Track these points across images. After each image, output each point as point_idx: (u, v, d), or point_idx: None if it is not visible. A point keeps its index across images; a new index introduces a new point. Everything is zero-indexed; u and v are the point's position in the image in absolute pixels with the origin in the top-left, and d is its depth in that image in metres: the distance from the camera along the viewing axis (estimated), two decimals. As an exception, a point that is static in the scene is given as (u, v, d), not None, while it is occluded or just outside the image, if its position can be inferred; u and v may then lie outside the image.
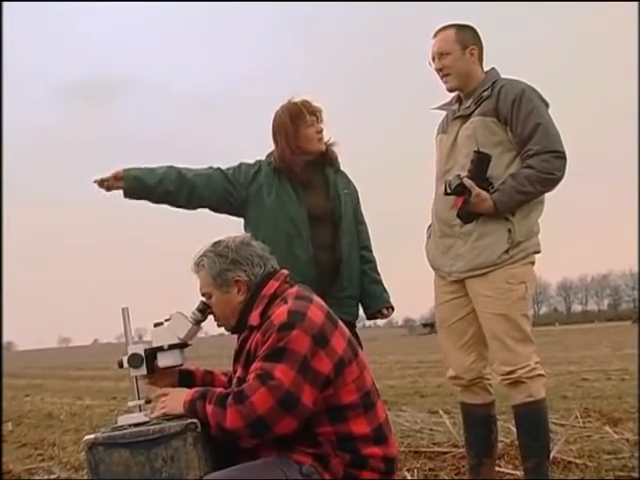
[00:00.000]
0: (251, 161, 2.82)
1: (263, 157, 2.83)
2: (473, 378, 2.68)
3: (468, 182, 2.45)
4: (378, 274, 2.89)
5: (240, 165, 2.78)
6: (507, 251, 2.52)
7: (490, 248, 2.53)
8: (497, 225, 2.53)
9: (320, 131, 2.74)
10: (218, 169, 2.74)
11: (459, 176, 2.48)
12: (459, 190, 2.46)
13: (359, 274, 2.80)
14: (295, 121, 2.69)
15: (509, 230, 2.52)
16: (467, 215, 2.52)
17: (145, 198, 2.67)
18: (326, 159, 2.79)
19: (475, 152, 2.49)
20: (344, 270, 2.69)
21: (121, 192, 2.64)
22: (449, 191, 2.49)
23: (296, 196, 2.69)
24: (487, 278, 2.54)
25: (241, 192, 2.72)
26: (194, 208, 2.73)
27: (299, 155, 2.69)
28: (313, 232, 2.66)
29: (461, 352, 2.68)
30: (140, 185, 2.61)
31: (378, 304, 2.82)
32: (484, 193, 2.47)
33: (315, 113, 2.73)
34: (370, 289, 2.82)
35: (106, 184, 2.62)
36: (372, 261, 2.88)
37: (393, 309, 2.87)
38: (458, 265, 2.60)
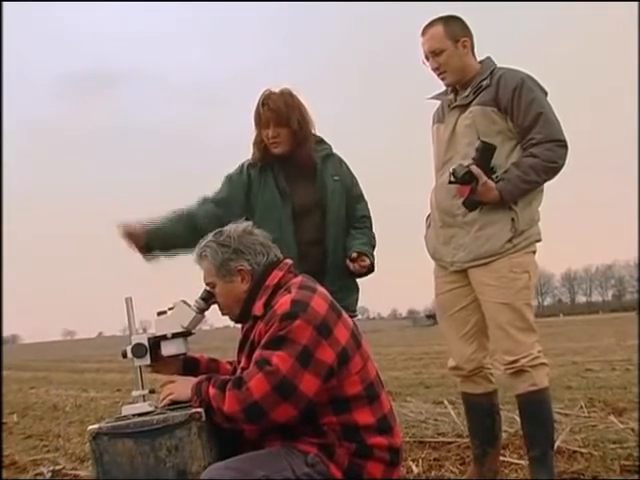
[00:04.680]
0: (234, 169, 2.78)
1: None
2: (473, 368, 2.68)
3: (476, 170, 2.43)
4: (364, 235, 2.74)
5: (230, 181, 2.74)
6: (510, 240, 2.51)
7: (494, 237, 2.52)
8: (500, 214, 2.52)
9: (272, 136, 2.64)
10: (212, 201, 2.67)
11: (463, 165, 2.46)
12: (466, 179, 2.44)
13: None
14: (255, 119, 2.69)
15: (512, 219, 2.51)
16: (472, 204, 2.51)
17: (163, 251, 2.59)
18: (298, 159, 2.70)
19: (481, 141, 2.47)
20: (332, 262, 2.66)
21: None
22: (454, 179, 2.47)
23: (280, 194, 2.66)
24: (490, 267, 2.53)
25: (236, 210, 2.63)
26: None
27: (259, 152, 2.70)
28: (300, 228, 2.63)
29: (462, 342, 2.68)
30: (161, 241, 2.54)
31: (347, 253, 2.67)
32: (490, 182, 2.46)
33: (271, 118, 2.62)
34: (346, 245, 2.71)
35: (131, 241, 2.53)
36: (358, 228, 2.76)
37: (371, 262, 2.66)
38: (460, 255, 2.59)
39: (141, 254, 2.56)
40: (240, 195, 2.70)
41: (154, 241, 2.53)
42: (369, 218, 2.84)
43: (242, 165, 2.77)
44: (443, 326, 2.77)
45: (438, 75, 2.66)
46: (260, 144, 2.70)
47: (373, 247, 2.76)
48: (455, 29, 2.60)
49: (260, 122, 2.66)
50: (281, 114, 2.62)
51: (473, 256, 2.56)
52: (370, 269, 2.70)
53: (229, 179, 2.76)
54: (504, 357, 2.54)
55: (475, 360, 2.67)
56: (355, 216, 2.78)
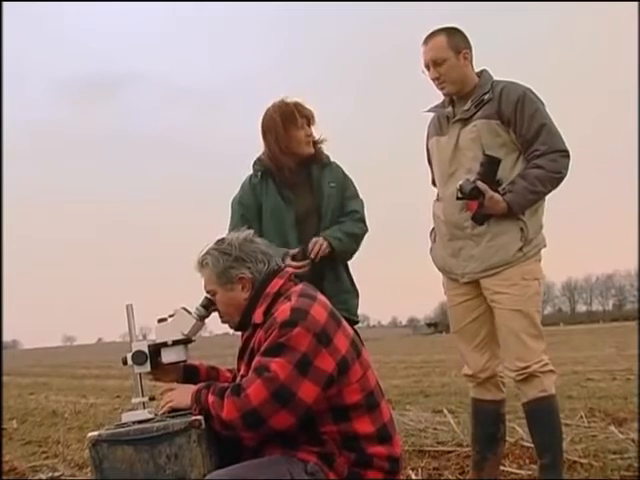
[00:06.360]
0: (237, 192, 2.84)
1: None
2: (488, 376, 2.72)
3: (482, 185, 2.48)
4: (338, 224, 2.74)
5: (240, 203, 2.79)
6: (521, 249, 2.57)
7: (505, 247, 2.57)
8: (509, 224, 2.57)
9: (309, 135, 2.74)
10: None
11: (470, 180, 2.49)
12: (474, 194, 2.49)
13: (346, 266, 2.80)
14: (286, 122, 2.70)
15: (521, 228, 2.56)
16: (481, 218, 2.55)
17: None
18: (314, 159, 2.79)
19: (485, 155, 2.52)
20: (328, 268, 2.69)
21: None
22: (461, 195, 2.51)
23: (284, 201, 2.71)
24: (502, 275, 2.57)
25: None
26: None
27: (288, 155, 2.71)
28: (301, 234, 2.68)
29: (475, 352, 2.73)
30: None
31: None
32: (497, 195, 2.51)
33: (306, 116, 2.73)
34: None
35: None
36: (341, 222, 2.76)
37: (331, 245, 2.65)
38: (472, 266, 2.62)
39: None
40: (254, 209, 2.76)
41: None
42: (358, 212, 2.83)
43: (243, 184, 2.83)
44: (455, 337, 2.82)
45: (438, 85, 2.69)
46: (288, 148, 2.71)
47: (348, 234, 2.72)
48: (457, 40, 2.64)
49: (295, 122, 2.70)
50: (313, 114, 2.75)
51: (485, 266, 2.60)
52: (332, 252, 2.65)
53: (236, 202, 2.81)
54: (516, 363, 2.57)
55: (490, 368, 2.72)
56: (345, 212, 2.80)
